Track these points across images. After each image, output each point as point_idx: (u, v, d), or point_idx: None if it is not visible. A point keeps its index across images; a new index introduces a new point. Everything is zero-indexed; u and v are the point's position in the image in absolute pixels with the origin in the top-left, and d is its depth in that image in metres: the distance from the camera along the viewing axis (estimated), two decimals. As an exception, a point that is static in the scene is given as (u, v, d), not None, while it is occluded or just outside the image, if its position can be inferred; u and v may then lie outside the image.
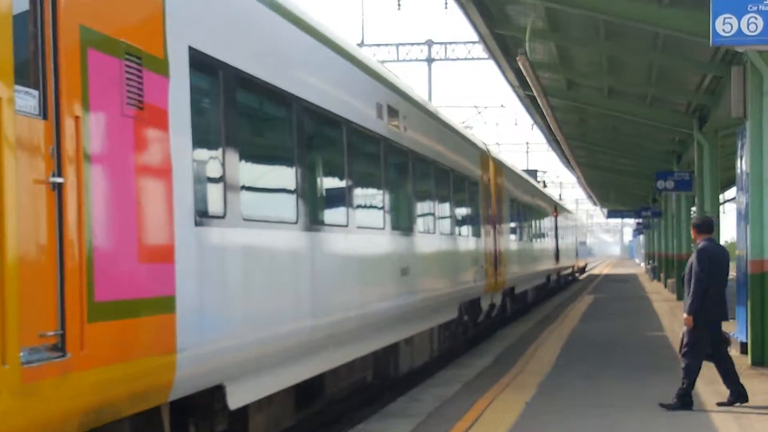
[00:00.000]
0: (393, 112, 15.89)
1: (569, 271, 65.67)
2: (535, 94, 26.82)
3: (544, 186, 62.50)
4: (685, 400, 12.77)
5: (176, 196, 7.92)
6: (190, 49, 8.34)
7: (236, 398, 9.18)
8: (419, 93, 19.74)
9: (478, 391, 15.14)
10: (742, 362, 16.52)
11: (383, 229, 14.89)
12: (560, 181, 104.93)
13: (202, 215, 8.45)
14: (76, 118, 6.49)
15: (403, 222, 16.32)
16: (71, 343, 6.31)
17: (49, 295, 6.18)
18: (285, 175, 10.94)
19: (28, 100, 6.09)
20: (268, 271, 10.03)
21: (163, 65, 7.80)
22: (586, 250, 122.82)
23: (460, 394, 14.88)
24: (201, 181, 8.55)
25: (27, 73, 6.13)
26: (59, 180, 6.29)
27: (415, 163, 17.36)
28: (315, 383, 12.21)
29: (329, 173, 12.83)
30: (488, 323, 27.29)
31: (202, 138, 8.56)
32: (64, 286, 6.29)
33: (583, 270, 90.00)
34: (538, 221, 41.64)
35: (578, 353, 20.39)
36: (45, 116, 6.25)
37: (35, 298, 6.01)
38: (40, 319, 6.06)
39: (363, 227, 13.66)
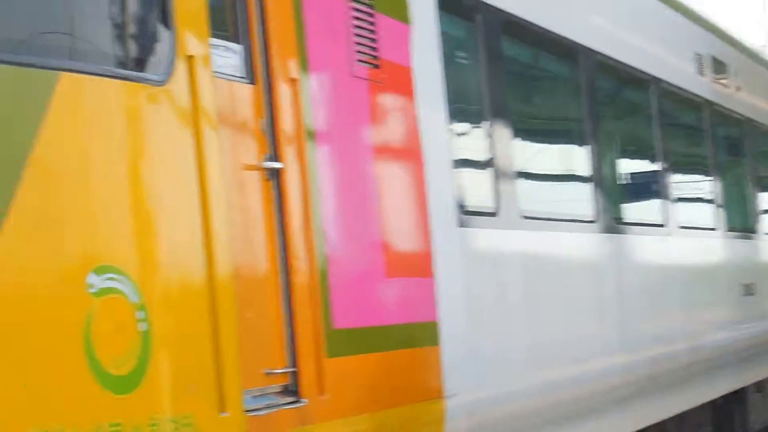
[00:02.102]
0: (719, 66, 15.53)
1: None
2: None
3: None
4: None
5: (430, 185, 7.86)
6: None
7: None
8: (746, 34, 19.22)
9: None
10: None
11: (715, 230, 14.55)
12: None
13: (466, 212, 8.37)
14: (292, 81, 6.49)
15: (742, 219, 15.91)
16: (307, 384, 6.29)
17: (273, 320, 6.21)
18: (575, 156, 10.79)
19: (228, 57, 6.13)
20: (559, 288, 9.91)
21: (401, 7, 7.76)
22: None
23: None
24: (463, 164, 8.48)
25: (225, 22, 6.19)
26: (277, 165, 6.30)
27: (754, 137, 16.89)
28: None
29: (635, 153, 12.62)
30: None
31: (459, 106, 8.49)
32: (293, 309, 6.30)
33: None
34: None
35: None
36: (252, 80, 6.29)
37: (256, 324, 6.05)
38: (265, 353, 6.09)
39: (687, 227, 13.37)
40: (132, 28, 5.59)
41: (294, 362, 6.28)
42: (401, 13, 7.74)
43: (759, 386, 16.43)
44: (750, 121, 16.62)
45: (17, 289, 4.92)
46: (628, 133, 12.34)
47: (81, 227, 5.21)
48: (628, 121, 12.43)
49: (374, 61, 7.39)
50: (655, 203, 12.64)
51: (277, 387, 6.18)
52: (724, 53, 15.77)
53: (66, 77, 5.18)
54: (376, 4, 7.44)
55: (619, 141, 12.01)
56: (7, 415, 4.82)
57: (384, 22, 7.53)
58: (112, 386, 5.17)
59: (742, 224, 15.75)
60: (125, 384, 5.23)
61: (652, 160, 12.72)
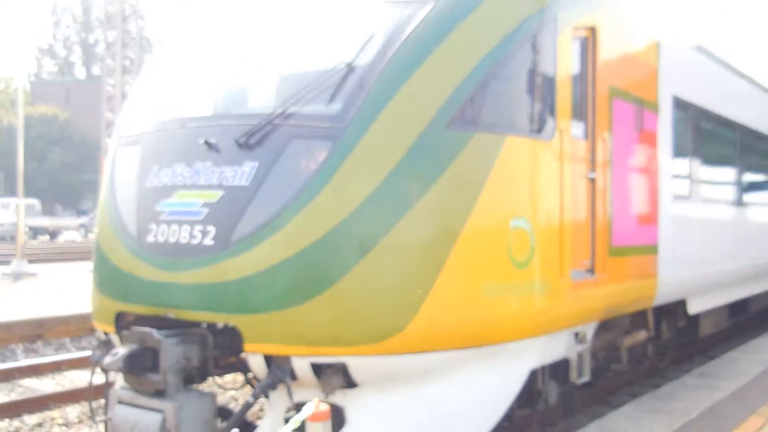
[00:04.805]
0: None
1: None
2: None
3: None
4: None
5: (662, 185, 7.42)
6: (674, 96, 7.78)
7: (693, 308, 8.56)
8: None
9: None
10: None
11: None
12: None
13: (676, 198, 7.85)
14: (604, 139, 6.25)
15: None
16: (598, 269, 6.11)
17: (585, 241, 6.00)
18: (728, 173, 9.98)
19: (578, 128, 5.96)
20: (714, 231, 9.14)
21: (656, 106, 7.32)
22: None
23: None
24: (676, 176, 7.94)
25: (578, 113, 5.98)
26: (593, 175, 6.09)
27: None
28: (741, 303, 11.09)
29: (757, 170, 11.42)
30: None
31: (677, 150, 7.94)
32: (595, 237, 6.10)
33: None
34: None
35: None
36: (586, 138, 6.08)
37: (578, 244, 5.86)
38: (581, 255, 5.91)
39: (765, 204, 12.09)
40: (537, 116, 5.37)
41: (593, 258, 6.07)
42: (655, 108, 7.31)
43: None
44: None
45: (493, 228, 4.98)
46: (755, 162, 11.18)
47: (509, 203, 5.09)
48: (757, 156, 11.26)
49: (641, 129, 6.99)
50: (761, 194, 11.44)
51: (584, 269, 5.96)
52: None
53: (509, 138, 5.13)
54: (644, 105, 7.03)
55: (750, 165, 10.96)
56: (478, 276, 4.88)
57: (648, 111, 7.12)
58: (516, 265, 5.10)
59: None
60: (522, 265, 5.15)
61: (764, 173, 11.58)
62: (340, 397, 4.71)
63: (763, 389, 7.21)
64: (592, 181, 6.09)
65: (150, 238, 4.94)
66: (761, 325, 13.59)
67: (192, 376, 4.79)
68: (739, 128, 10.14)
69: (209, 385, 5.63)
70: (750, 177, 10.91)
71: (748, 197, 10.75)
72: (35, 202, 44.47)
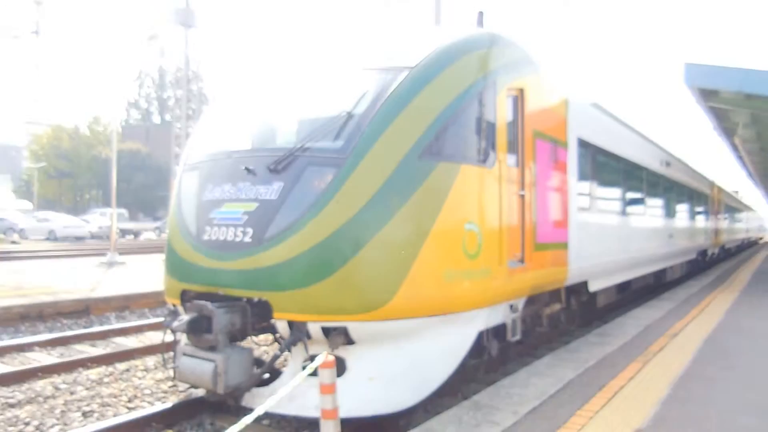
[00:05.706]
0: (667, 163, 14.03)
1: (754, 239, 54.58)
2: None
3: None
4: None
5: (570, 200, 7.36)
6: (578, 138, 7.76)
7: (593, 287, 8.48)
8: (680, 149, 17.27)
9: (707, 290, 13.03)
10: None
11: (661, 216, 13.17)
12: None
13: (580, 208, 7.80)
14: (529, 167, 6.20)
15: (669, 212, 14.35)
16: (526, 259, 6.03)
17: (518, 240, 5.92)
18: (616, 192, 9.93)
19: (511, 159, 5.90)
20: (606, 233, 9.07)
21: (565, 144, 7.28)
22: (761, 227, 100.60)
23: (700, 293, 12.76)
24: (580, 194, 7.88)
25: (512, 148, 5.92)
26: (523, 193, 6.03)
27: (677, 187, 15.20)
28: (626, 283, 11.05)
29: (635, 190, 11.42)
30: (711, 262, 23.44)
31: (581, 176, 7.90)
32: (524, 237, 6.02)
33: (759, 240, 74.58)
34: (738, 214, 35.10)
35: (763, 277, 16.74)
36: (518, 166, 6.02)
37: (512, 241, 5.78)
38: (514, 249, 5.83)
39: (649, 214, 12.11)
40: (483, 150, 5.32)
41: (523, 252, 5.99)
42: (565, 146, 7.26)
43: (671, 267, 14.75)
44: (677, 181, 14.96)
45: (452, 230, 4.87)
46: (634, 185, 11.17)
47: (463, 212, 4.99)
48: (636, 181, 11.25)
49: (556, 161, 6.94)
50: (640, 206, 11.44)
51: (517, 259, 5.87)
52: (668, 158, 14.26)
53: (463, 166, 5.06)
54: (557, 144, 6.97)
55: (631, 187, 10.93)
56: (442, 264, 4.78)
57: (559, 149, 7.07)
58: (469, 257, 5.02)
59: (669, 213, 14.18)
60: (473, 256, 5.06)
61: (641, 193, 11.62)
62: (343, 351, 4.69)
63: (640, 344, 7.19)
64: (522, 197, 6.05)
65: (205, 237, 4.91)
66: (640, 299, 13.62)
67: (235, 336, 4.76)
68: (622, 161, 10.15)
69: (248, 342, 5.52)
70: (631, 195, 10.88)
71: (630, 209, 10.73)
72: (124, 211, 44.27)
